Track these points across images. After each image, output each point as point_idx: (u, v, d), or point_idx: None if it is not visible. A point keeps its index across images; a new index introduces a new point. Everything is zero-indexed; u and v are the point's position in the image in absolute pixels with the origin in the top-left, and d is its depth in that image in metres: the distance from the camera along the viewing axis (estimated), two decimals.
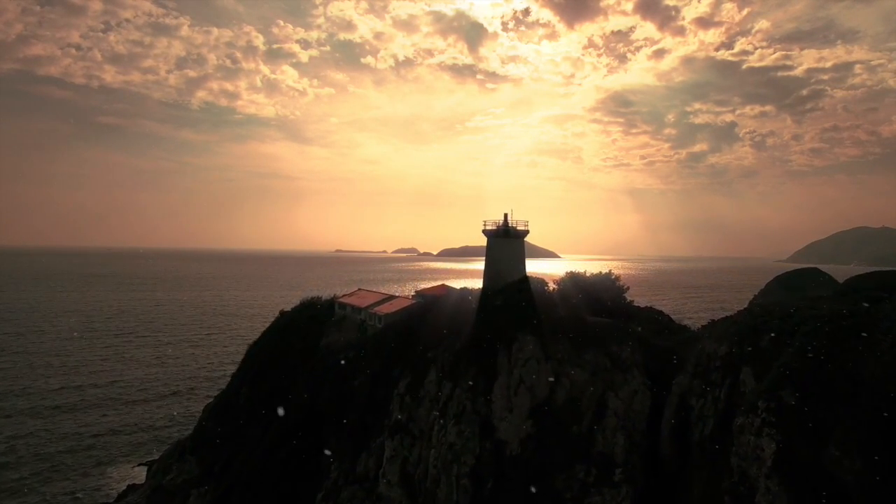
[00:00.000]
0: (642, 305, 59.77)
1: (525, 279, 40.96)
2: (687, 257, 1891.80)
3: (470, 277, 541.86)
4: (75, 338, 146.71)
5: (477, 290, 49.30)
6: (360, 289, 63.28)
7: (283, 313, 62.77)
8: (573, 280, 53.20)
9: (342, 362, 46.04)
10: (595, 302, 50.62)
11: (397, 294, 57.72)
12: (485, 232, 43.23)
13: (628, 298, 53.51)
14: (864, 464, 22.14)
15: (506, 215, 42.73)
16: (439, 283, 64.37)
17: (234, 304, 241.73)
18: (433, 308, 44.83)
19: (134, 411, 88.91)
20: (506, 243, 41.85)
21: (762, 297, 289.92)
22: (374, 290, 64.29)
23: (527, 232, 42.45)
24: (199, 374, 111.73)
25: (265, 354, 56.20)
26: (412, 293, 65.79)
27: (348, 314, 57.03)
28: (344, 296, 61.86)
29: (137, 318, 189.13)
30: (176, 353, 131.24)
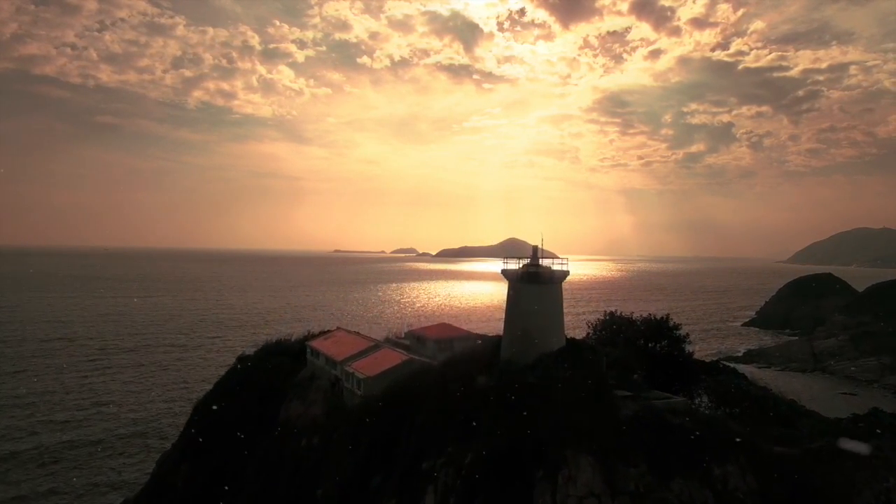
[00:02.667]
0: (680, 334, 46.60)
1: (570, 348, 27.88)
2: (685, 257, 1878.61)
3: (469, 279, 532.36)
4: (42, 356, 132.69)
5: (493, 337, 36.41)
6: (339, 328, 50.24)
7: (241, 360, 49.52)
8: (615, 325, 40.32)
9: (303, 445, 33.03)
10: (643, 353, 37.79)
11: (384, 341, 44.71)
12: (504, 273, 30.09)
13: (688, 349, 40.68)
14: None
15: (535, 249, 29.67)
16: (439, 322, 51.26)
17: (227, 310, 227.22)
18: (431, 373, 31.69)
19: (88, 463, 74.92)
20: (536, 292, 28.53)
21: (774, 303, 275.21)
22: (354, 331, 51.00)
23: (566, 273, 29.39)
24: (173, 408, 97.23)
25: (212, 420, 43.10)
26: (405, 330, 52.77)
27: (320, 367, 43.93)
28: (318, 338, 48.75)
29: (120, 327, 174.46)
30: (152, 376, 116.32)
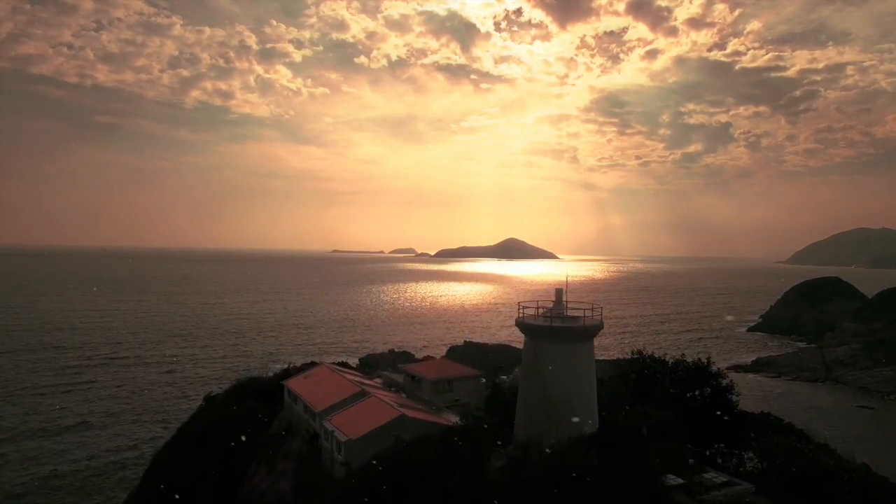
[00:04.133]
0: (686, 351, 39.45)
1: (605, 429, 21.36)
2: (683, 258, 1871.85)
3: (467, 281, 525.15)
4: (26, 369, 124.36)
5: (498, 347, 30.04)
6: (322, 363, 43.67)
7: (208, 401, 42.93)
8: (646, 369, 33.87)
9: None
10: (685, 408, 31.38)
11: (375, 376, 38.21)
12: (521, 325, 23.45)
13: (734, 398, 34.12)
14: None
15: (560, 292, 23.07)
16: (440, 357, 44.74)
17: (221, 316, 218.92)
18: (428, 450, 25.21)
19: (61, 499, 67.45)
20: (563, 353, 21.86)
21: (780, 308, 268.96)
22: (337, 364, 44.22)
23: (600, 326, 22.78)
24: (155, 433, 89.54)
25: (168, 479, 36.54)
26: (401, 366, 46.34)
27: (298, 414, 37.53)
28: (297, 376, 42.19)
29: (110, 335, 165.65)
30: (138, 394, 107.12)
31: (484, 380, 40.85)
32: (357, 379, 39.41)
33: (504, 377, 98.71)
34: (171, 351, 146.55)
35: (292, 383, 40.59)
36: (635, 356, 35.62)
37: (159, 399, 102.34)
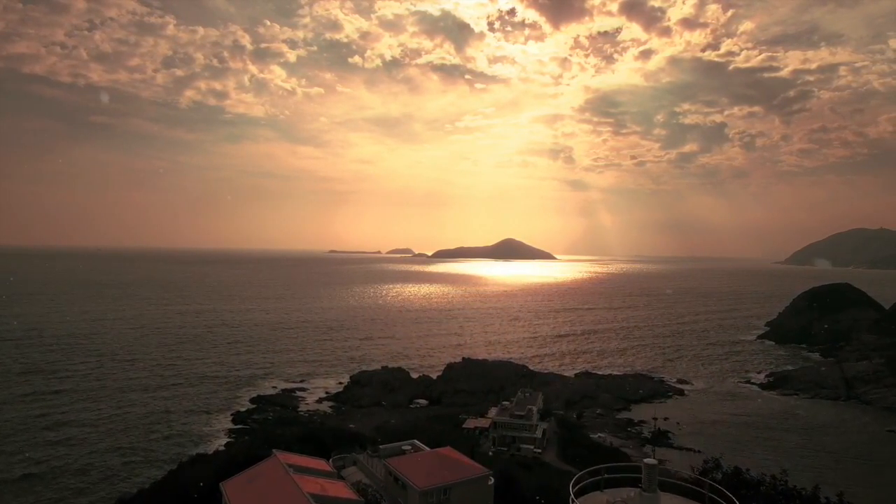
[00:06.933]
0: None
1: None
2: (681, 258, 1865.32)
3: (465, 284, 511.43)
4: None
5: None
6: (275, 453, 32.60)
7: None
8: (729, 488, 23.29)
9: None
10: None
11: (350, 468, 27.58)
12: None
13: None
14: None
15: (652, 472, 12.13)
16: (441, 449, 33.91)
17: (209, 325, 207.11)
18: None
19: None
20: None
21: (790, 315, 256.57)
22: (298, 462, 33.05)
23: None
24: (111, 485, 78.24)
25: None
26: (384, 450, 35.49)
27: None
28: (240, 475, 31.36)
29: (90, 348, 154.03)
30: (106, 432, 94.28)
31: (492, 480, 30.16)
32: (316, 489, 28.60)
33: (506, 402, 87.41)
34: (155, 370, 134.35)
35: (230, 489, 29.82)
36: (709, 466, 24.86)
37: (119, 446, 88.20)
